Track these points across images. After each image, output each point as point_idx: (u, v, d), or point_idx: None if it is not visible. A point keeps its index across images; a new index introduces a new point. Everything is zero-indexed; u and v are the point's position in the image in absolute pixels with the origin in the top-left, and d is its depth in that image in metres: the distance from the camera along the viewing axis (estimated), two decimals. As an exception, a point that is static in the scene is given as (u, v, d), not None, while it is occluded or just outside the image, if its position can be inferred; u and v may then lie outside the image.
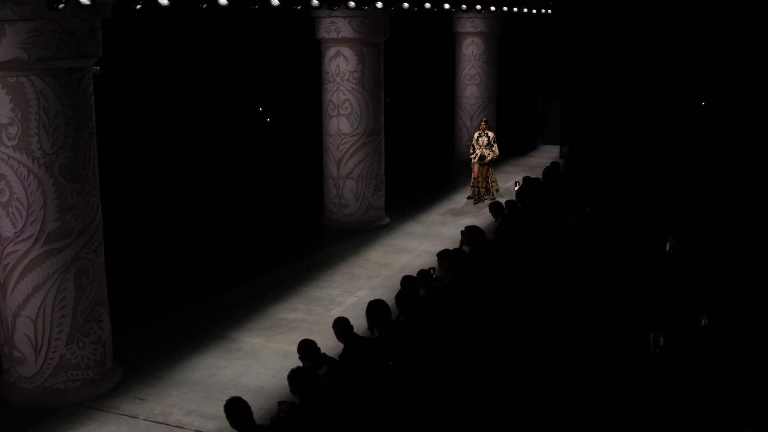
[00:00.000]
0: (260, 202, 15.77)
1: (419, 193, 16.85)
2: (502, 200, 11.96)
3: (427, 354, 7.03)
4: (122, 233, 11.98)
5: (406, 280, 8.09)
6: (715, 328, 6.73)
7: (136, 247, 12.60)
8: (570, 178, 13.98)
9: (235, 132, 20.52)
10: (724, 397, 6.15)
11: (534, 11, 21.07)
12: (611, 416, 6.28)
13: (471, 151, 16.47)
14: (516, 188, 13.15)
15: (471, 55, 20.07)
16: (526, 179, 12.86)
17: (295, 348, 9.33)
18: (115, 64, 15.74)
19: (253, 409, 8.01)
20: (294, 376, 6.05)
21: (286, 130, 21.04)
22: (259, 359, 9.25)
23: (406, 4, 14.31)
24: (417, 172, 18.63)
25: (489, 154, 16.12)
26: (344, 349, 7.06)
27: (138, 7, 9.08)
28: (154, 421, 7.88)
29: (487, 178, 16.30)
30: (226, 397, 8.19)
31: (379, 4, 13.11)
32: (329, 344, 8.91)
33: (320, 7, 12.61)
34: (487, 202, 14.94)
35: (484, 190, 16.25)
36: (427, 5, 15.27)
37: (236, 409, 5.66)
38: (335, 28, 13.71)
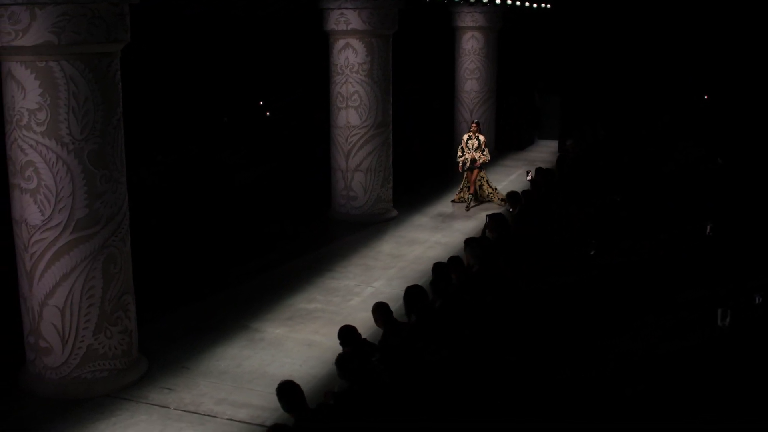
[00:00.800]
0: (268, 195, 15.70)
1: (425, 185, 16.82)
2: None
3: (464, 339, 7.02)
4: (142, 224, 11.91)
5: (439, 267, 8.07)
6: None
7: (152, 238, 12.49)
8: (580, 170, 14.01)
9: (243, 125, 20.40)
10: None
11: (534, 5, 21.13)
12: (636, 405, 6.29)
13: (459, 153, 15.29)
14: (528, 178, 13.18)
15: (471, 49, 20.08)
16: (539, 170, 12.88)
17: (318, 337, 9.47)
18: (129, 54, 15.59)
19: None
20: (342, 360, 6.00)
21: (293, 123, 20.92)
22: (284, 349, 9.18)
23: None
24: (422, 164, 18.56)
25: (480, 158, 15.12)
26: (384, 334, 7.02)
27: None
28: (185, 411, 7.78)
29: (476, 183, 15.20)
30: (255, 387, 8.27)
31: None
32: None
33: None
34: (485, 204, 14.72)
35: (471, 196, 15.14)
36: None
37: (289, 391, 5.60)
38: (344, 19, 13.66)
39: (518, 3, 19.80)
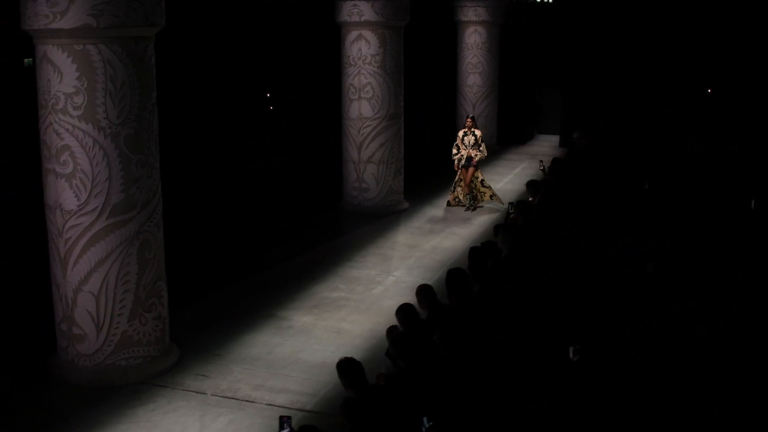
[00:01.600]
0: (279, 187, 15.71)
1: (434, 177, 16.75)
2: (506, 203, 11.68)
3: (493, 324, 7.04)
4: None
5: (474, 252, 8.10)
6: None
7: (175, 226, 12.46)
8: (592, 160, 14.08)
9: (254, 118, 20.28)
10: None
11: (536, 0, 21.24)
12: (665, 394, 6.31)
13: (455, 151, 14.45)
14: (541, 168, 13.24)
15: (473, 43, 20.14)
16: (554, 160, 12.93)
17: (346, 325, 9.50)
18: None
19: (320, 384, 8.02)
20: (400, 338, 5.99)
21: (306, 115, 20.80)
22: (313, 336, 9.16)
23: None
24: (431, 157, 18.51)
25: (476, 155, 14.29)
26: (428, 317, 7.01)
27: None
28: (222, 396, 7.75)
29: (472, 182, 14.40)
30: (290, 373, 8.27)
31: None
32: (380, 321, 9.14)
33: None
34: (484, 205, 14.52)
35: (470, 196, 14.42)
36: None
37: (350, 368, 5.58)
38: (357, 11, 13.65)
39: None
